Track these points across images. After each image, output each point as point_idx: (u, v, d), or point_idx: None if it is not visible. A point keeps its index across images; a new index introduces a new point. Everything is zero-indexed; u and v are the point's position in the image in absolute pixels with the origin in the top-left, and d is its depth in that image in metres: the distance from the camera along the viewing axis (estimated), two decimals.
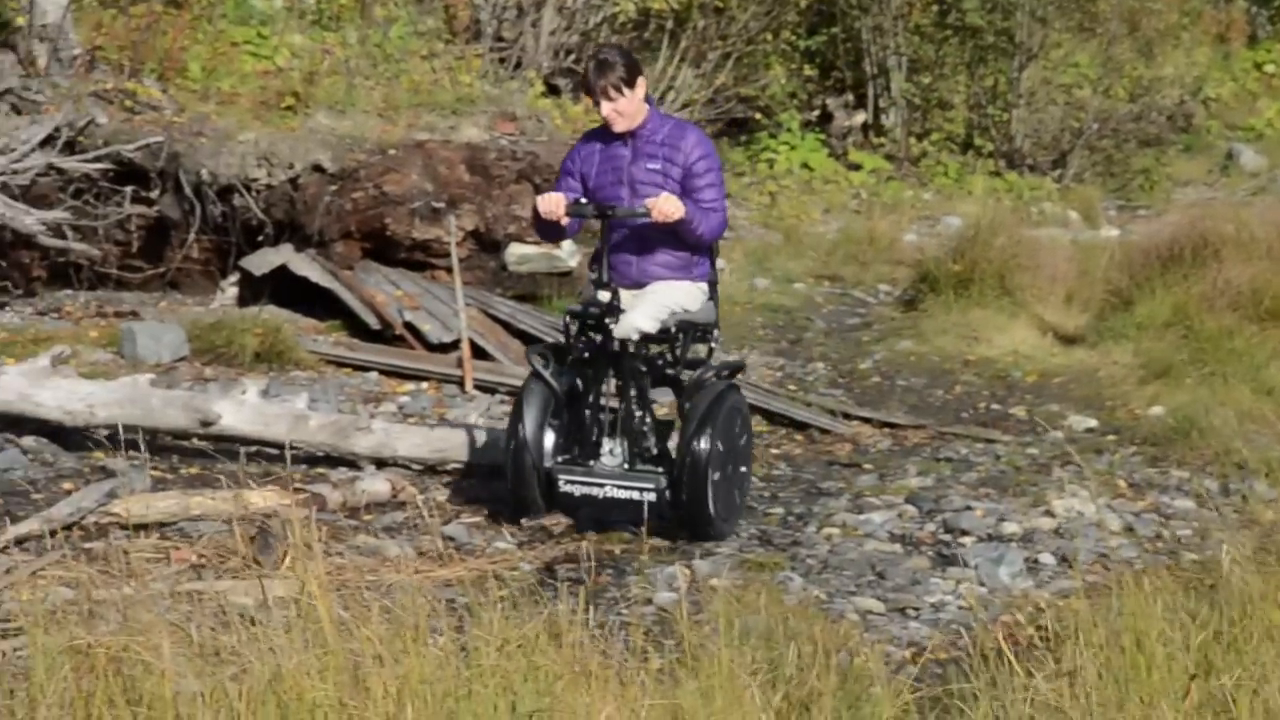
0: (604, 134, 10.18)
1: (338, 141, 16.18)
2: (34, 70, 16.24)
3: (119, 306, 15.46)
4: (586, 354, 10.02)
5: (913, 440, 13.01)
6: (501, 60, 20.35)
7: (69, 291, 15.82)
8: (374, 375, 13.93)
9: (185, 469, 11.13)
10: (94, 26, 17.28)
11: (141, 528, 9.66)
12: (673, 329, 10.02)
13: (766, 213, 21.85)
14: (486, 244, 15.93)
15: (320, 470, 11.13)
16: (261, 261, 15.64)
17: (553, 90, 20.48)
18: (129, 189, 15.81)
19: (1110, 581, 8.19)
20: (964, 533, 10.31)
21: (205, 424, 11.25)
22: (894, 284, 18.42)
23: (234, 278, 15.89)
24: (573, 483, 9.92)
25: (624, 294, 10.00)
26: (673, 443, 10.14)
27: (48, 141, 15.58)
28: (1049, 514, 10.72)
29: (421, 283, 15.35)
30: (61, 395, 11.28)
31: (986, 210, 19.39)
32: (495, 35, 20.84)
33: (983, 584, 9.42)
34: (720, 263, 18.62)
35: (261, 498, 9.82)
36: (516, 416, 9.94)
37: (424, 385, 13.83)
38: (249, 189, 15.84)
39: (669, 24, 22.85)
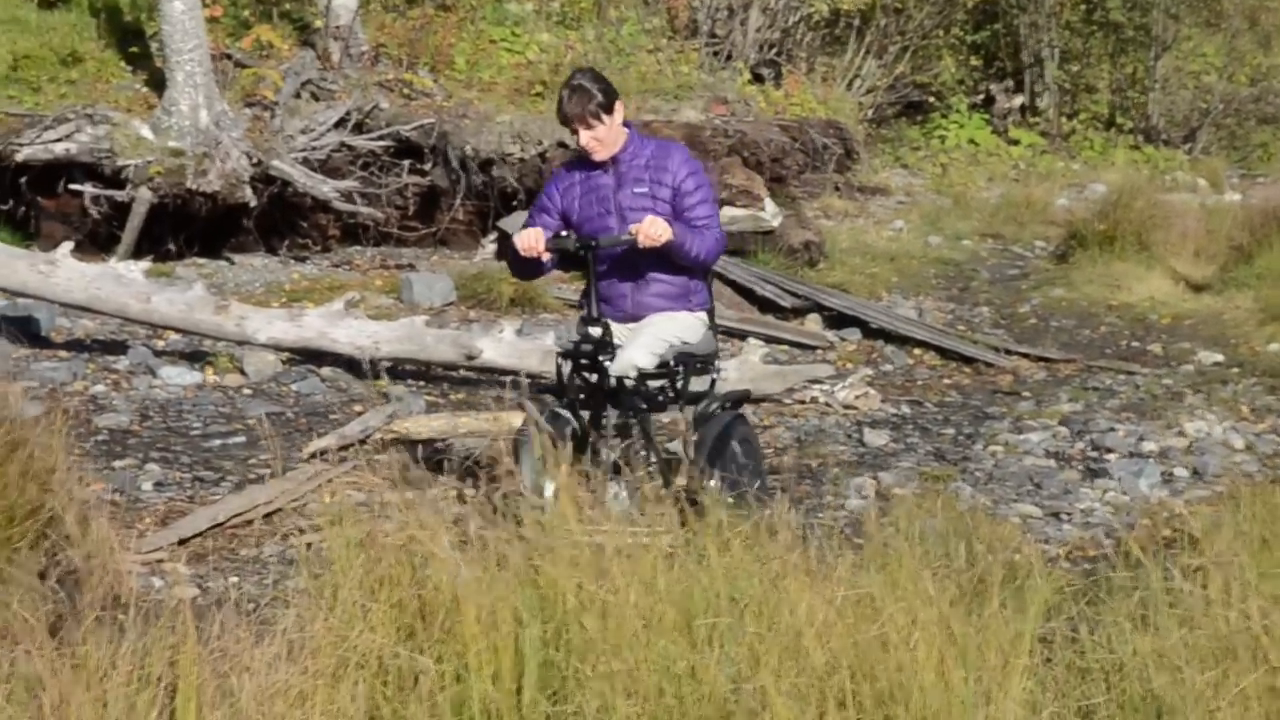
0: (583, 165, 8.10)
1: None
2: (329, 64, 16.39)
3: (398, 260, 15.61)
4: (583, 395, 7.94)
5: (1064, 372, 12.85)
6: (715, 53, 20.26)
7: (358, 247, 15.98)
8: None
9: (453, 395, 11.20)
10: (379, 27, 17.41)
11: (418, 443, 9.75)
12: (671, 362, 8.00)
13: (938, 181, 21.62)
14: None
15: None
16: (515, 222, 15.63)
17: (757, 78, 20.36)
18: (406, 162, 15.98)
19: (1235, 491, 8.05)
20: (1109, 450, 10.17)
21: (469, 357, 11.32)
22: (1048, 241, 18.18)
23: (492, 236, 15.98)
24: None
25: (619, 328, 7.99)
26: (683, 479, 8.04)
27: (340, 123, 15.75)
28: (1182, 434, 10.55)
29: None
30: (353, 333, 11.39)
31: (1127, 179, 19.13)
32: (709, 32, 20.74)
33: (1125, 493, 9.29)
34: (899, 222, 18.58)
35: (518, 419, 9.86)
36: (516, 463, 7.54)
37: None
38: (505, 162, 15.91)
39: (856, 21, 22.66)
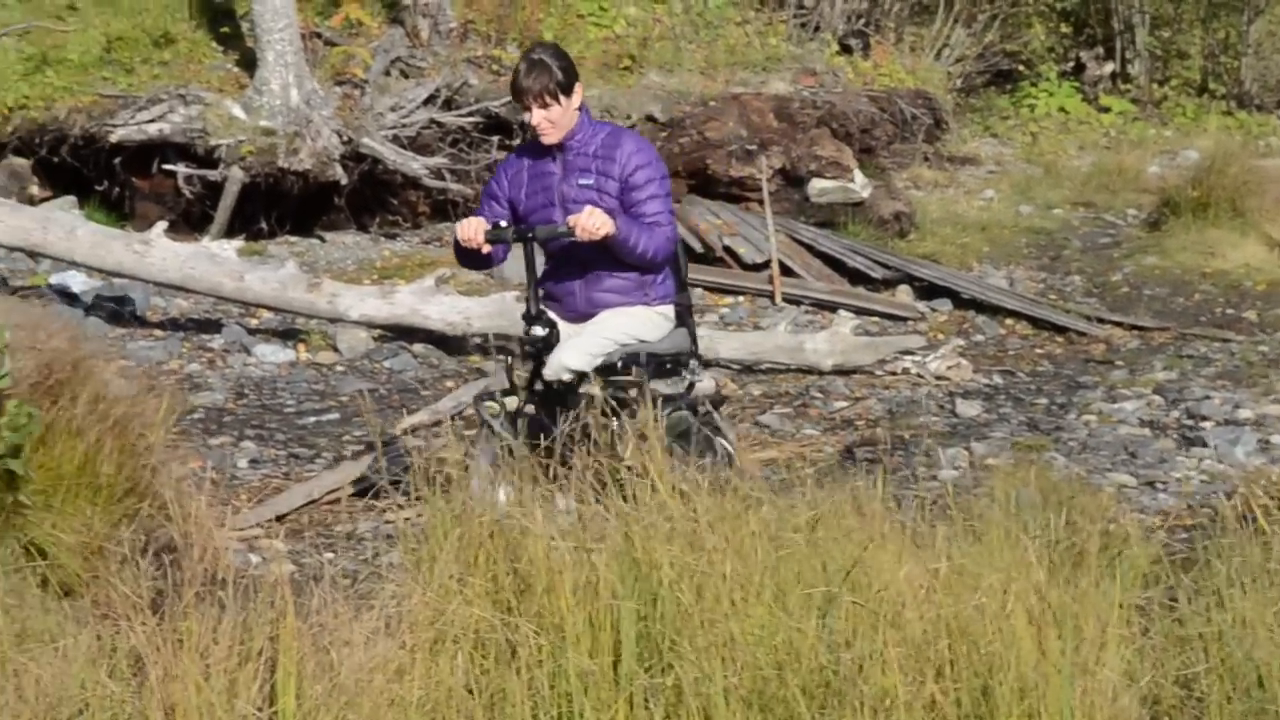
0: (533, 150, 7.52)
1: (666, 95, 16.21)
2: (418, 41, 16.42)
3: None
4: (535, 398, 7.31)
5: (1158, 340, 12.74)
6: (802, 25, 20.16)
7: (448, 224, 15.98)
8: (699, 290, 13.92)
9: None
10: (467, 3, 17.41)
11: None
12: (619, 362, 7.29)
13: (1029, 150, 21.47)
14: (791, 179, 15.84)
15: None
16: None
17: (845, 49, 20.26)
18: (495, 138, 15.98)
19: None
20: (1204, 418, 10.09)
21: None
22: (1140, 208, 18.01)
23: None
24: None
25: (570, 328, 7.39)
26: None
27: (429, 100, 15.79)
28: (1278, 402, 10.45)
29: (737, 213, 15.29)
30: (444, 309, 11.43)
31: (1220, 145, 18.90)
32: (797, 3, 20.65)
33: (1221, 461, 9.21)
34: (989, 192, 18.46)
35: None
36: (467, 471, 6.93)
37: (740, 299, 13.80)
38: None
39: None
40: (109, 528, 6.90)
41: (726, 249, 14.53)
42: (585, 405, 6.70)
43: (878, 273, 14.30)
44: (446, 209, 15.97)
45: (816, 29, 20.18)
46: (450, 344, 11.37)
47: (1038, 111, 23.53)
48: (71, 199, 14.79)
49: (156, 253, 11.49)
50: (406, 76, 16.10)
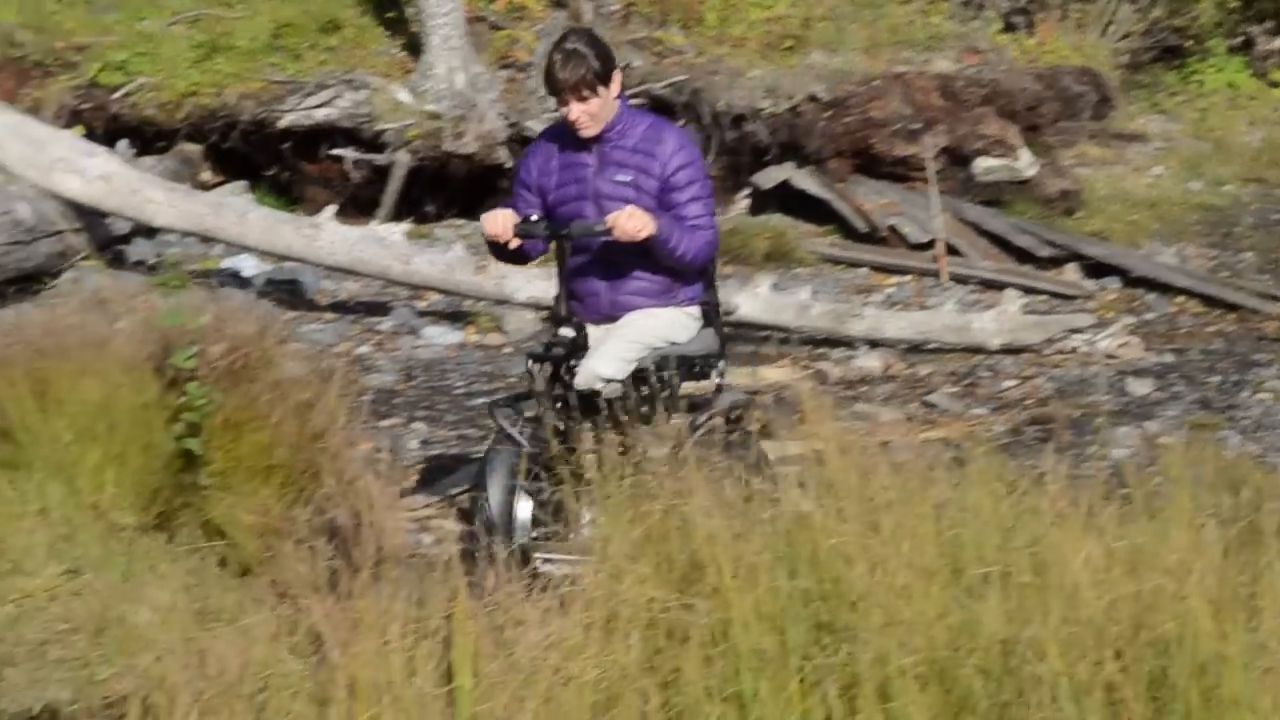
0: (566, 136, 6.95)
1: (830, 75, 16.12)
2: (581, 24, 16.47)
3: None
4: (559, 404, 6.80)
5: None
6: (965, 3, 19.99)
7: None
8: (864, 270, 13.88)
9: None
10: None
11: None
12: (652, 367, 6.82)
13: (1197, 126, 21.16)
14: (956, 158, 15.72)
15: (821, 350, 11.12)
16: (768, 177, 15.72)
17: (1009, 27, 20.07)
18: None
19: None
20: None
21: (725, 313, 11.31)
22: None
23: (745, 191, 15.97)
24: (551, 561, 6.62)
25: (594, 330, 6.92)
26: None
27: None
28: None
29: (902, 192, 15.21)
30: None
31: None
32: None
33: None
34: (1158, 169, 18.22)
35: (775, 373, 9.89)
36: (479, 485, 6.88)
37: (906, 278, 13.74)
38: (757, 117, 15.89)
39: None
40: (285, 508, 7.01)
41: (891, 228, 14.47)
42: (612, 411, 6.57)
43: (1044, 251, 14.17)
44: None
45: (980, 7, 19.98)
46: None
47: (1206, 87, 23.18)
48: (242, 184, 14.98)
49: (326, 236, 11.61)
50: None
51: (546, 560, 6.56)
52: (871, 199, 14.96)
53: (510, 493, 6.74)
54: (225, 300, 8.28)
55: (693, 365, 7.00)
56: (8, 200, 11.34)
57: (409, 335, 11.43)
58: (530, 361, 6.87)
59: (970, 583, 4.76)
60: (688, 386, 6.95)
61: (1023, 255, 14.17)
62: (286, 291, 11.94)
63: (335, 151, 15.11)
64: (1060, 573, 4.77)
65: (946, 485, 5.14)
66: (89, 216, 11.87)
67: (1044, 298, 13.18)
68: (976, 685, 4.57)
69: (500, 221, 6.82)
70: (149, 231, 12.61)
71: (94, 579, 6.17)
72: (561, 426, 6.64)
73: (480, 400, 10.02)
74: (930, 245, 14.03)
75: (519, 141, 15.24)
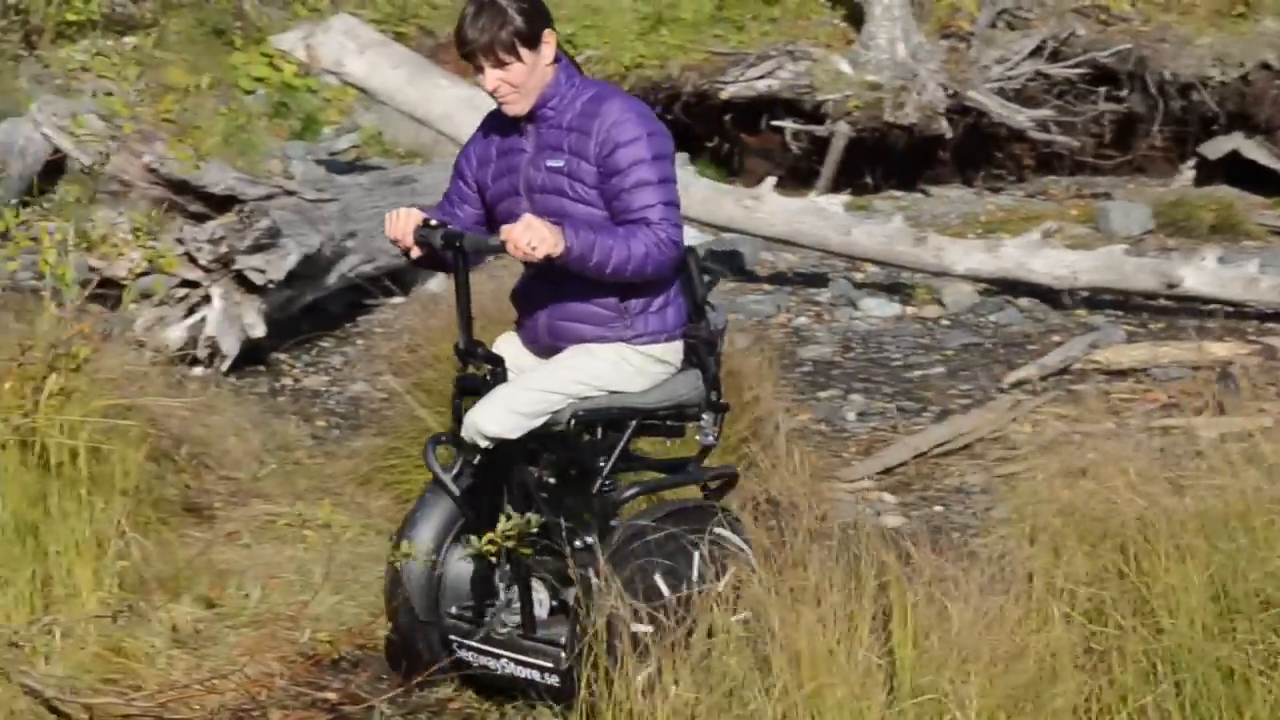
0: (504, 116, 5.43)
1: None
2: None
3: (1093, 188, 15.43)
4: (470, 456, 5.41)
5: None
6: None
7: (1052, 177, 15.87)
8: None
9: (1152, 324, 11.01)
10: None
11: (1118, 373, 9.68)
12: (569, 424, 5.30)
13: None
14: None
15: (1270, 325, 10.82)
16: (1215, 148, 15.41)
17: None
18: (1102, 89, 15.77)
19: None
20: None
21: (1170, 286, 11.12)
22: None
23: (1191, 162, 15.66)
24: (465, 648, 5.49)
25: (531, 360, 5.47)
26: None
27: (1036, 51, 15.67)
28: None
29: None
30: (1050, 263, 11.34)
31: None
32: None
33: None
34: None
35: (1221, 349, 9.69)
36: (399, 538, 5.47)
37: None
38: (1204, 86, 15.53)
39: None
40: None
41: None
42: (525, 477, 5.31)
43: None
44: (1051, 162, 15.86)
45: None
46: (1056, 298, 11.27)
47: None
48: (683, 155, 15.21)
49: (765, 208, 11.73)
50: (1013, 28, 16.00)
51: (461, 646, 5.49)
52: None
53: (434, 553, 5.45)
54: None
55: (658, 420, 5.47)
56: None
57: (847, 307, 11.47)
58: (459, 397, 5.46)
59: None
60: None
61: None
62: (726, 263, 12.09)
63: (775, 123, 15.25)
64: None
65: None
66: None
67: None
68: None
69: (401, 223, 5.39)
70: None
71: None
72: (478, 485, 5.38)
73: (918, 373, 10.03)
74: None
75: (958, 112, 15.18)
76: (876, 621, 4.71)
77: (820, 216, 11.76)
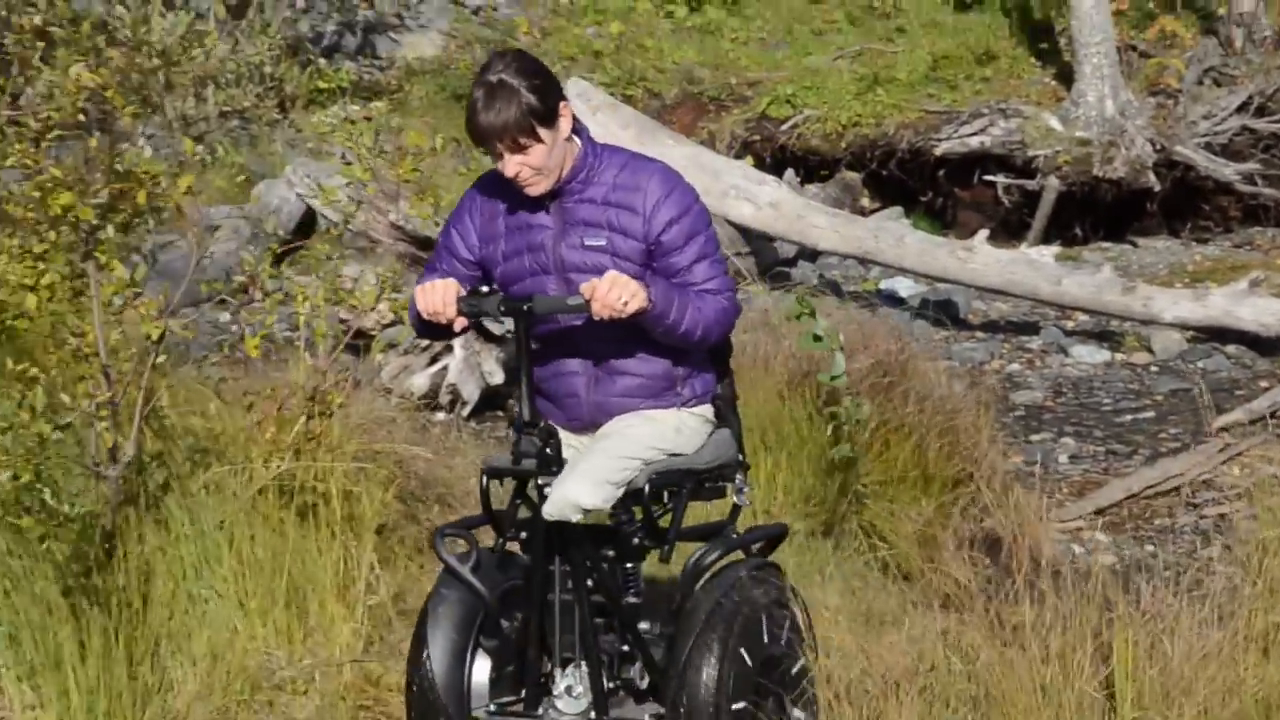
0: (509, 189, 4.91)
1: None
2: (1232, 50, 16.06)
3: None
4: (523, 534, 4.95)
5: None
6: None
7: (1259, 228, 15.58)
8: None
9: None
10: None
11: None
12: (645, 489, 4.89)
13: None
14: None
15: None
16: None
17: None
18: None
19: None
20: None
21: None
22: None
23: None
24: None
25: (572, 439, 4.97)
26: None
27: (1242, 107, 15.44)
28: None
29: None
30: (1258, 311, 11.19)
31: None
32: None
33: None
34: None
35: None
36: (420, 640, 4.93)
37: None
38: None
39: None
40: (939, 516, 7.09)
41: None
42: (589, 550, 4.89)
43: None
44: (1257, 213, 15.59)
45: None
46: (1263, 345, 11.07)
47: None
48: (898, 209, 15.18)
49: (978, 259, 11.67)
50: (1219, 85, 15.77)
51: None
52: None
53: (460, 653, 4.93)
54: (872, 319, 8.44)
55: (702, 482, 5.10)
56: None
57: (1058, 353, 11.37)
58: (486, 479, 4.99)
59: None
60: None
61: None
62: (940, 312, 12.03)
63: (988, 178, 15.18)
64: None
65: None
66: (756, 241, 12.27)
67: None
68: None
69: (440, 294, 4.86)
70: (812, 255, 12.96)
71: None
72: (531, 562, 4.91)
73: (1128, 417, 9.90)
74: None
75: (1166, 166, 14.99)
76: (1096, 657, 4.64)
77: (1031, 267, 11.69)
